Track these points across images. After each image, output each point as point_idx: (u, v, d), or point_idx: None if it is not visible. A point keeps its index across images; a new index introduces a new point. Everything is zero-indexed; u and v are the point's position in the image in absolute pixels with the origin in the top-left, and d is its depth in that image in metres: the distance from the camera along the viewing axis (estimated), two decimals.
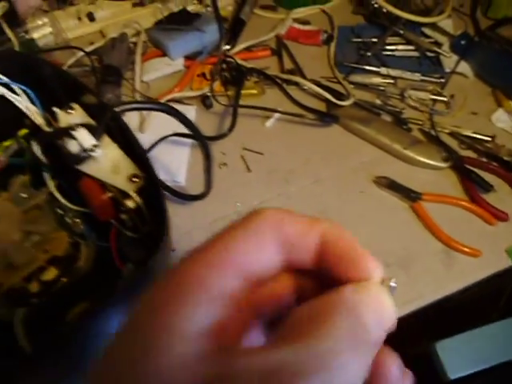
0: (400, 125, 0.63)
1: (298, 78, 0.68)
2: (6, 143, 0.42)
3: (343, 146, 0.63)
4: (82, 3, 0.77)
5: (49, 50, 0.68)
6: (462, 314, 0.64)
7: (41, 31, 0.73)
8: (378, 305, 0.17)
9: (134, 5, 0.77)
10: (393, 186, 0.59)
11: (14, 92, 0.39)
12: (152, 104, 0.40)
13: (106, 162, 0.35)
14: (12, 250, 0.33)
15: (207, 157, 0.39)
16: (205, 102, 0.66)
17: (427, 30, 0.72)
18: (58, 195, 0.38)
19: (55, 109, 0.37)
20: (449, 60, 0.69)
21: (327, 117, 0.62)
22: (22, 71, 0.39)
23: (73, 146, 0.34)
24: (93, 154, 0.34)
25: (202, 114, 0.66)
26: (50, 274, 0.36)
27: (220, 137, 0.56)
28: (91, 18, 0.75)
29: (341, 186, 0.60)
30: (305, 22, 0.75)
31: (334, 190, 0.59)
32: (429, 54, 0.70)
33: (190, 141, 0.60)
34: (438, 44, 0.70)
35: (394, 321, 0.18)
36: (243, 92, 0.66)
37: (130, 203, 0.34)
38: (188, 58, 0.70)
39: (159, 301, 0.17)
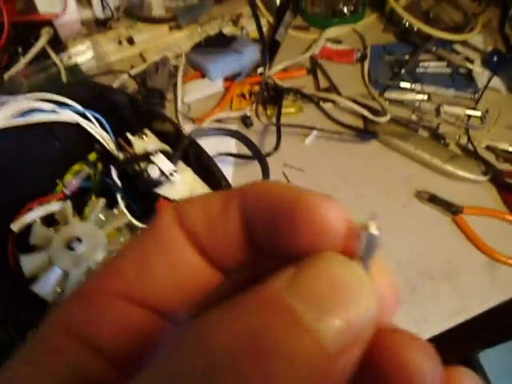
0: (437, 140, 0.65)
1: (334, 96, 0.70)
2: (76, 167, 0.44)
3: (382, 161, 0.65)
4: (120, 27, 0.80)
5: (96, 74, 0.70)
6: (505, 325, 0.64)
7: (84, 56, 0.76)
8: (336, 302, 0.10)
9: (171, 28, 0.80)
10: (434, 199, 0.60)
11: (87, 119, 0.41)
12: (221, 130, 0.42)
13: (183, 185, 0.37)
14: None
15: (265, 178, 0.41)
16: (245, 121, 0.68)
17: (458, 47, 0.74)
18: (130, 217, 0.40)
19: (129, 135, 0.40)
20: (481, 75, 0.70)
21: (366, 134, 0.64)
22: (95, 99, 0.41)
23: (153, 171, 0.36)
24: (172, 178, 0.36)
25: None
26: None
27: (265, 156, 0.58)
28: (131, 41, 0.78)
29: (383, 201, 0.61)
30: (337, 41, 0.78)
31: (377, 204, 0.61)
32: (461, 70, 0.72)
33: (232, 159, 0.62)
34: (470, 60, 0.72)
35: (373, 315, 0.11)
36: (282, 111, 0.68)
37: None
38: (226, 79, 0.73)
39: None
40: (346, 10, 0.80)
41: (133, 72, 0.71)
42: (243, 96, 0.71)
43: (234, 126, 0.69)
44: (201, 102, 0.72)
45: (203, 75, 0.73)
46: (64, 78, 0.71)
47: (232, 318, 0.10)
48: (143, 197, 0.40)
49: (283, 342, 0.10)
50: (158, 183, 0.36)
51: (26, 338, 0.14)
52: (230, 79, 0.73)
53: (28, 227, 0.40)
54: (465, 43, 0.73)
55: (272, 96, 0.70)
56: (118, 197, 0.41)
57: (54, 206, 0.39)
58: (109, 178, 0.39)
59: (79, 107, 0.40)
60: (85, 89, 0.42)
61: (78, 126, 0.41)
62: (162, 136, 0.40)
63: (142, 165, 0.38)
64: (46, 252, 0.35)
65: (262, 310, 0.10)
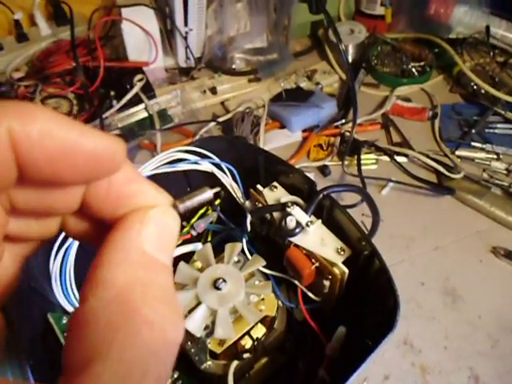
0: (511, 198, 0.68)
1: (408, 151, 0.74)
2: (201, 211, 0.48)
3: (457, 215, 0.68)
4: (204, 77, 0.87)
5: (189, 123, 0.76)
6: None
7: (171, 102, 0.82)
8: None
9: (250, 80, 0.86)
10: (510, 255, 0.63)
11: (221, 169, 0.46)
12: (347, 187, 0.46)
13: (315, 235, 0.41)
14: (243, 309, 0.38)
15: (373, 230, 0.45)
16: (324, 170, 0.73)
17: None
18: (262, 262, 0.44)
19: (260, 187, 0.44)
20: None
21: (444, 189, 0.68)
22: (228, 151, 0.46)
23: (289, 221, 0.40)
24: (307, 228, 0.40)
25: (318, 181, 0.72)
26: (260, 331, 0.41)
27: (351, 206, 0.62)
28: (214, 91, 0.84)
29: (460, 254, 0.64)
30: (406, 99, 0.83)
31: (455, 257, 0.64)
32: None
33: None
34: None
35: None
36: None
37: (337, 271, 0.40)
38: (304, 130, 0.78)
39: None
40: (414, 70, 0.86)
41: (221, 120, 0.77)
42: (320, 147, 0.76)
43: (311, 174, 0.73)
44: (280, 150, 0.77)
45: (282, 125, 0.78)
46: (157, 123, 0.76)
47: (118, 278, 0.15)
48: (270, 244, 0.44)
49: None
50: (294, 233, 0.40)
51: None
52: (308, 130, 0.78)
53: None
54: None
55: (348, 148, 0.74)
56: (245, 242, 0.45)
57: (189, 247, 0.42)
58: (234, 224, 0.43)
59: (217, 159, 0.45)
60: (221, 142, 0.47)
61: (210, 174, 0.46)
62: (288, 188, 0.44)
63: (275, 214, 0.42)
64: (193, 291, 0.39)
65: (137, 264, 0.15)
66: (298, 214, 0.40)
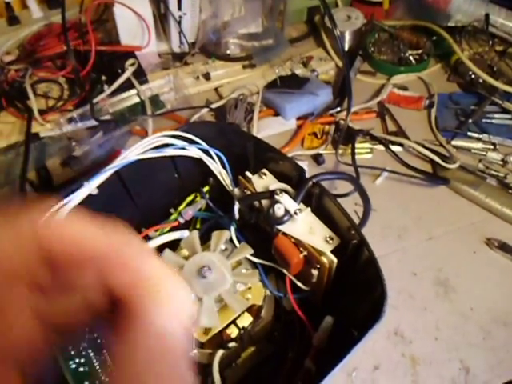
0: (506, 189, 0.67)
1: (403, 140, 0.73)
2: (189, 198, 0.47)
3: (451, 206, 0.67)
4: (197, 63, 0.85)
5: (178, 109, 0.75)
6: None
7: (163, 87, 0.80)
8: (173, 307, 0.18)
9: (244, 67, 0.85)
10: (504, 247, 0.62)
11: (209, 155, 0.45)
12: (338, 174, 0.45)
13: (303, 223, 0.40)
14: (229, 297, 0.37)
15: (364, 219, 0.44)
16: (317, 159, 0.72)
17: None
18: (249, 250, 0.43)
19: (249, 174, 0.43)
20: None
21: (439, 179, 0.67)
22: (217, 137, 0.45)
23: (278, 209, 0.39)
24: (295, 216, 0.39)
25: (312, 170, 0.71)
26: (246, 320, 0.40)
27: (343, 195, 0.61)
28: (207, 77, 0.82)
29: (454, 245, 0.63)
30: (403, 88, 0.81)
31: (448, 248, 0.63)
32: None
33: None
34: None
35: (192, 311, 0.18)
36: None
37: (325, 260, 0.39)
38: (299, 117, 0.76)
39: None
40: (411, 58, 0.84)
41: (214, 106, 0.76)
42: (315, 135, 0.75)
43: (305, 163, 0.72)
44: (273, 138, 0.75)
45: (276, 113, 0.77)
46: (148, 108, 0.75)
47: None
48: (258, 232, 0.43)
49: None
50: (282, 220, 0.39)
51: None
52: (303, 118, 0.76)
53: None
54: None
55: (343, 136, 0.73)
56: (233, 230, 0.44)
57: (176, 234, 0.42)
58: (223, 212, 0.42)
59: (205, 145, 0.44)
60: (210, 127, 0.46)
61: (199, 160, 0.45)
62: (278, 175, 0.43)
63: (264, 202, 0.41)
64: None
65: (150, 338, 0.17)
66: (286, 202, 0.39)
